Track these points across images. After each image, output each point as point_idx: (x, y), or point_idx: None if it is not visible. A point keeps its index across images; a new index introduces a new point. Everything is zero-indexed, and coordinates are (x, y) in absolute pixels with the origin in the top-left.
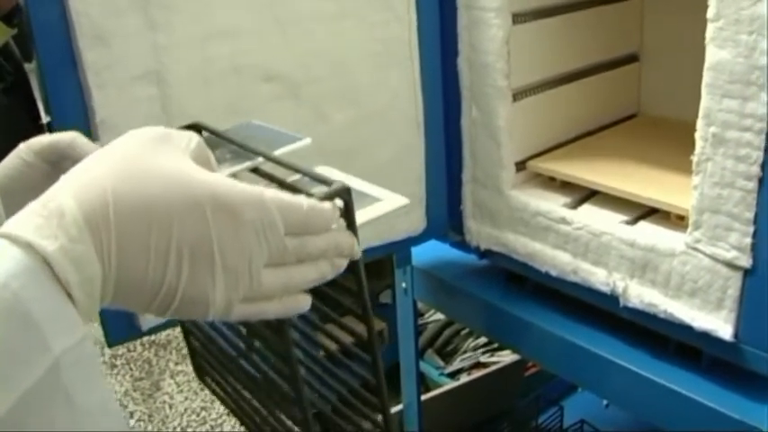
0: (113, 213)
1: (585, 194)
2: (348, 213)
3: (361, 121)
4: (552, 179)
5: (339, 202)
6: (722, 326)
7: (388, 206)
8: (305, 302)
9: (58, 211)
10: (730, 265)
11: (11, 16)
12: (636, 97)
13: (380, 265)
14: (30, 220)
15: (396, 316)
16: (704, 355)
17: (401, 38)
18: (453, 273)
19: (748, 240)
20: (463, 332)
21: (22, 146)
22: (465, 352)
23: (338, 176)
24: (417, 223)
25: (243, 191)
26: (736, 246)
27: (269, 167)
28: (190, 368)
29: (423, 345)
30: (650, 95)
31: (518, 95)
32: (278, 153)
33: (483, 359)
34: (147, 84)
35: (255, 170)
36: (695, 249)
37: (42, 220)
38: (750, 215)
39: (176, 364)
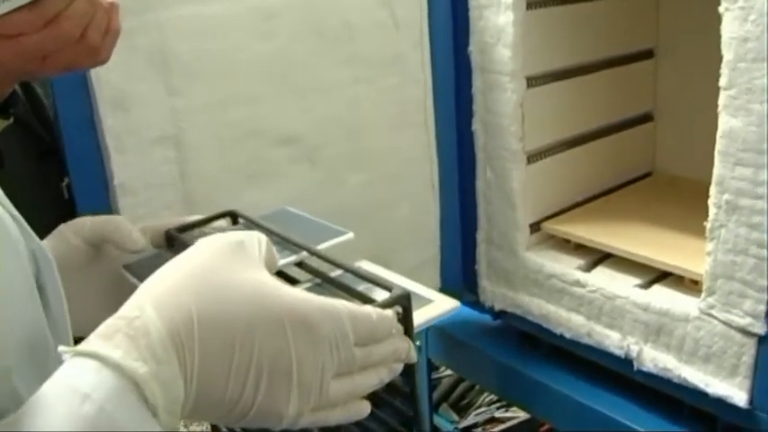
0: (197, 334)
1: (600, 256)
2: (407, 319)
3: (376, 182)
4: (567, 241)
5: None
6: (737, 392)
7: (441, 309)
8: (366, 408)
9: (144, 329)
10: (744, 331)
11: (7, 106)
12: (651, 156)
13: None
14: (117, 339)
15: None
16: (719, 421)
17: (416, 100)
18: (467, 332)
19: (762, 308)
20: (478, 387)
21: (64, 227)
22: (480, 407)
23: (383, 275)
24: (431, 283)
25: (320, 306)
26: (750, 313)
27: (313, 261)
28: None
29: (437, 399)
30: (665, 154)
31: (532, 158)
32: (327, 244)
33: (498, 414)
34: (166, 147)
35: (299, 264)
36: (709, 315)
37: (129, 340)
38: (764, 282)
39: None
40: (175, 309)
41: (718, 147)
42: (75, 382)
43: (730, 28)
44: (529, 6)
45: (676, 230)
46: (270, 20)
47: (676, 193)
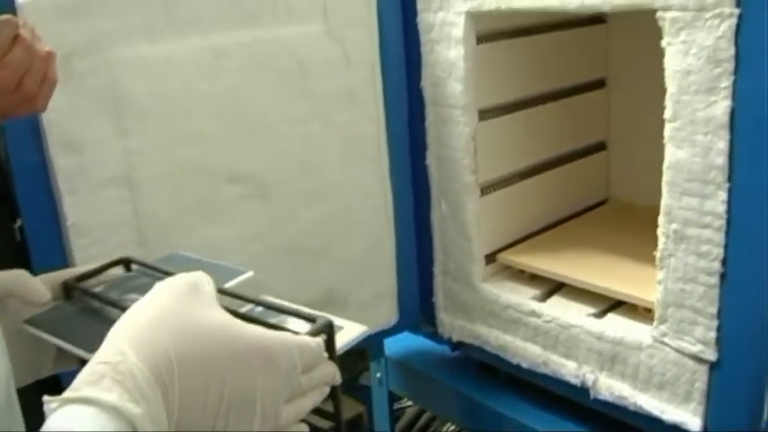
0: (177, 373)
1: (555, 286)
2: (331, 346)
3: (330, 217)
4: (523, 271)
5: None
6: (691, 418)
7: (352, 334)
8: (305, 429)
9: (129, 372)
10: (696, 358)
11: None
12: (605, 184)
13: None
14: (105, 384)
15: None
16: None
17: (370, 135)
18: (427, 363)
19: (713, 334)
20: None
21: None
22: None
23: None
24: (389, 316)
25: (278, 340)
26: (701, 340)
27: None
28: None
29: (401, 428)
30: (619, 182)
31: (486, 190)
32: (233, 282)
33: None
34: (118, 187)
35: None
36: (662, 343)
37: (118, 384)
38: (714, 310)
39: None
40: (154, 350)
41: (665, 177)
42: (75, 429)
43: (673, 61)
44: (479, 41)
45: (630, 258)
46: (221, 59)
47: (630, 220)
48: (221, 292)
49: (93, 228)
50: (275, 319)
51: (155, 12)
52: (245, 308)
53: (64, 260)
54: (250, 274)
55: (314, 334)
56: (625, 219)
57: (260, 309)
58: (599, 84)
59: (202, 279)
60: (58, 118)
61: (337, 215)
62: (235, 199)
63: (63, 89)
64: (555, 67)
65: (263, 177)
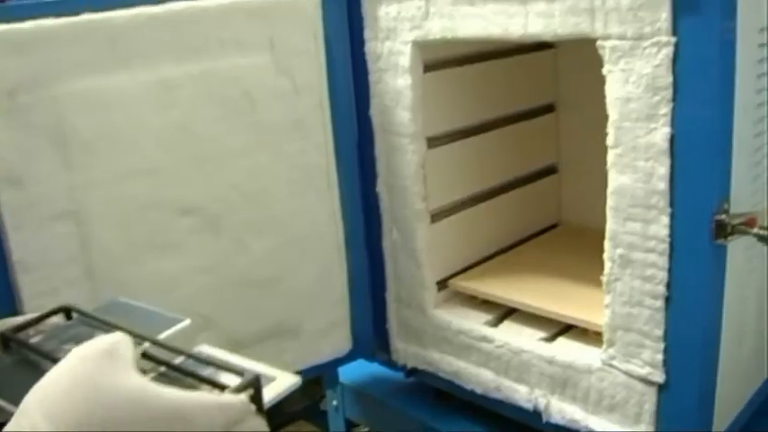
0: None
1: (507, 310)
2: (259, 400)
3: (281, 247)
4: (475, 296)
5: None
6: None
7: (283, 386)
8: None
9: None
10: (645, 380)
11: None
12: (556, 208)
13: None
14: None
15: None
16: None
17: (319, 165)
18: (382, 390)
19: (660, 357)
20: None
21: None
22: None
23: (220, 354)
24: (343, 344)
25: (195, 402)
26: (649, 362)
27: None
28: None
29: None
30: (570, 206)
31: (437, 216)
32: (168, 332)
33: None
34: (65, 223)
35: (143, 354)
36: (611, 366)
37: None
38: (660, 332)
39: None
40: (68, 419)
41: (609, 203)
42: None
43: (613, 89)
44: (426, 69)
45: (581, 282)
46: (169, 91)
47: (582, 243)
48: (155, 343)
49: (40, 264)
50: (207, 371)
51: (100, 45)
52: (179, 359)
53: (10, 297)
54: (187, 322)
55: (240, 389)
56: (576, 242)
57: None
58: (548, 108)
59: (119, 342)
60: (2, 153)
61: (288, 245)
62: (185, 231)
63: (7, 124)
64: (504, 93)
65: (212, 209)
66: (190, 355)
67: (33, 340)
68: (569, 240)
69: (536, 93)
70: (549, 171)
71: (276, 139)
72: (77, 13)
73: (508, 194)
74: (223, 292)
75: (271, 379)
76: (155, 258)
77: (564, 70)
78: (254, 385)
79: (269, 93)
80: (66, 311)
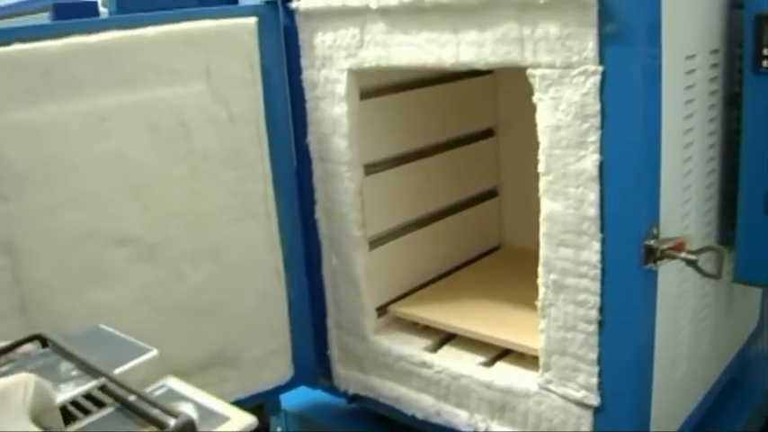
0: None
1: (447, 335)
2: None
3: (219, 275)
4: (414, 321)
5: None
6: None
7: (236, 426)
8: None
9: None
10: (581, 404)
11: None
12: (498, 231)
13: None
14: None
15: None
16: None
17: (257, 192)
18: (325, 416)
19: (595, 380)
20: None
21: None
22: None
23: (181, 389)
24: (284, 372)
25: None
26: (584, 386)
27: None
28: None
29: None
30: (511, 228)
31: (375, 243)
32: (125, 367)
33: None
34: None
35: (102, 388)
36: (548, 390)
37: None
38: (594, 356)
39: None
40: None
41: (541, 229)
42: None
43: (544, 117)
44: (363, 96)
45: (520, 305)
46: (104, 121)
47: (522, 266)
48: (110, 379)
49: None
50: (154, 411)
51: (34, 77)
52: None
53: None
54: (154, 353)
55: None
56: (517, 265)
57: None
58: (488, 133)
59: (15, 386)
60: None
61: (226, 273)
62: (122, 262)
63: None
64: (443, 119)
65: (149, 239)
66: (139, 395)
67: (3, 369)
68: (510, 263)
69: (476, 117)
70: (490, 195)
71: (212, 167)
72: (9, 44)
73: (449, 219)
74: (161, 322)
75: (224, 418)
76: (91, 290)
77: (503, 95)
78: (187, 429)
79: (205, 121)
80: (42, 340)
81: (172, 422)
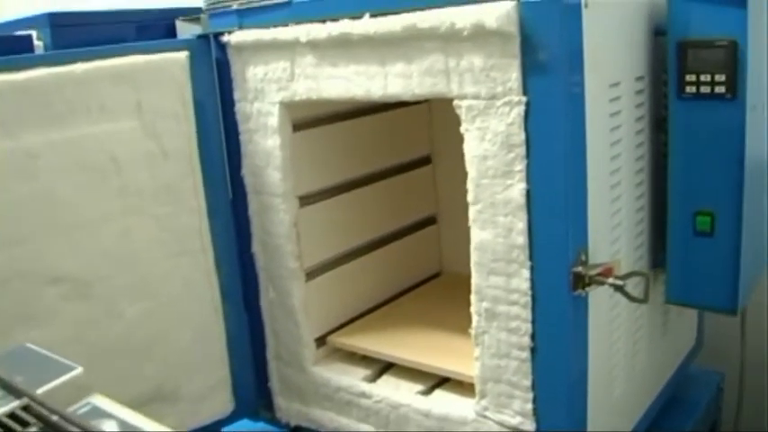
0: None
1: (386, 364)
2: None
3: (154, 312)
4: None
5: None
6: None
7: None
8: None
9: None
10: (517, 430)
11: None
12: (437, 257)
13: None
14: None
15: None
16: None
17: (191, 227)
18: None
19: (530, 406)
20: None
21: None
22: None
23: (106, 407)
24: (225, 406)
25: None
26: (519, 412)
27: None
28: None
29: None
30: (450, 254)
31: (313, 274)
32: (50, 386)
33: None
34: None
35: (25, 408)
36: (484, 417)
37: None
38: (528, 383)
39: None
40: None
41: (472, 258)
42: None
43: (471, 147)
44: (296, 128)
45: (458, 333)
46: (31, 160)
47: (462, 292)
48: (33, 400)
49: None
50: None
51: None
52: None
53: None
54: (79, 371)
55: None
56: (456, 291)
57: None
58: (425, 160)
59: None
60: None
61: (162, 309)
62: (54, 301)
63: None
64: (379, 148)
65: (82, 277)
66: (61, 415)
67: None
68: (449, 290)
69: (412, 146)
70: (429, 222)
71: (146, 203)
72: None
73: (388, 247)
74: (96, 361)
75: None
76: (23, 330)
77: (438, 123)
78: None
79: (137, 157)
80: None
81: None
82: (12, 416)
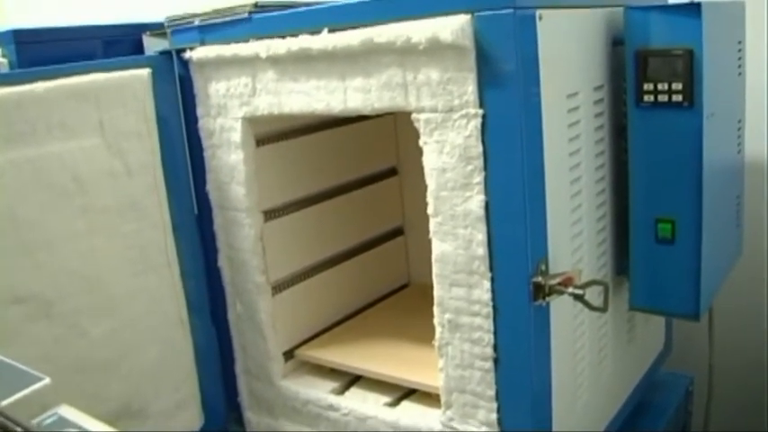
0: None
1: (354, 377)
2: None
3: (120, 329)
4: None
5: None
6: None
7: None
8: None
9: None
10: None
11: None
12: (405, 268)
13: None
14: None
15: None
16: None
17: (157, 243)
18: None
19: (494, 416)
20: None
21: None
22: None
23: (72, 417)
24: (194, 421)
25: None
26: (484, 422)
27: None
28: None
29: None
30: (417, 265)
31: (280, 287)
32: (16, 397)
33: None
34: None
35: None
36: (451, 428)
37: None
38: (492, 392)
39: None
40: None
41: (434, 270)
42: None
43: (430, 160)
44: (259, 143)
45: (425, 344)
46: None
47: (430, 303)
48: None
49: None
50: None
51: None
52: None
53: None
54: (46, 381)
55: None
56: (424, 302)
57: None
58: (392, 172)
59: None
60: None
61: (127, 326)
62: (18, 320)
63: None
64: (345, 160)
65: (45, 296)
66: (21, 425)
67: None
68: (417, 301)
69: (378, 157)
70: (396, 233)
71: (110, 221)
72: None
73: (355, 259)
74: (61, 380)
75: None
76: None
77: (404, 134)
78: None
79: (100, 176)
80: None
81: None
82: None
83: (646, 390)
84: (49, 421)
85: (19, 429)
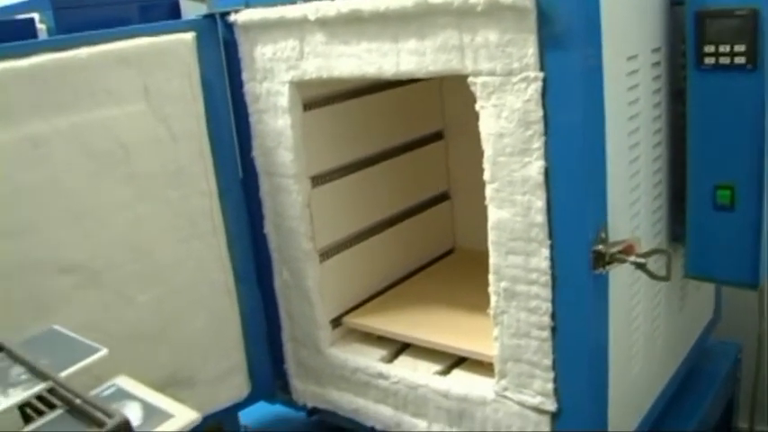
0: None
1: (403, 345)
2: None
3: (167, 297)
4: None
5: None
6: None
7: (179, 424)
8: None
9: None
10: (537, 410)
11: None
12: (451, 234)
13: None
14: None
15: None
16: None
17: (203, 210)
18: (286, 431)
19: (550, 386)
20: None
21: None
22: None
23: (130, 388)
24: (241, 389)
25: None
26: (540, 392)
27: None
28: None
29: None
30: (464, 230)
31: (327, 254)
32: (74, 368)
33: None
34: None
35: (51, 390)
36: (504, 397)
37: None
38: (549, 362)
39: None
40: None
41: (490, 237)
42: None
43: (487, 124)
44: (306, 107)
45: (475, 311)
46: (39, 147)
47: (477, 269)
48: (56, 383)
49: None
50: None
51: None
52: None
53: None
54: (104, 352)
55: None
56: (471, 268)
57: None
58: (437, 136)
59: None
60: None
61: (175, 294)
62: (66, 290)
63: None
64: (390, 125)
65: (93, 265)
66: (80, 396)
67: None
68: (464, 267)
69: (424, 121)
70: (442, 198)
71: (156, 188)
72: None
73: (401, 225)
74: (110, 348)
75: (169, 416)
76: (37, 319)
77: (450, 98)
78: (122, 428)
79: (146, 142)
80: None
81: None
82: (39, 398)
83: (696, 358)
84: (107, 392)
85: (78, 400)
